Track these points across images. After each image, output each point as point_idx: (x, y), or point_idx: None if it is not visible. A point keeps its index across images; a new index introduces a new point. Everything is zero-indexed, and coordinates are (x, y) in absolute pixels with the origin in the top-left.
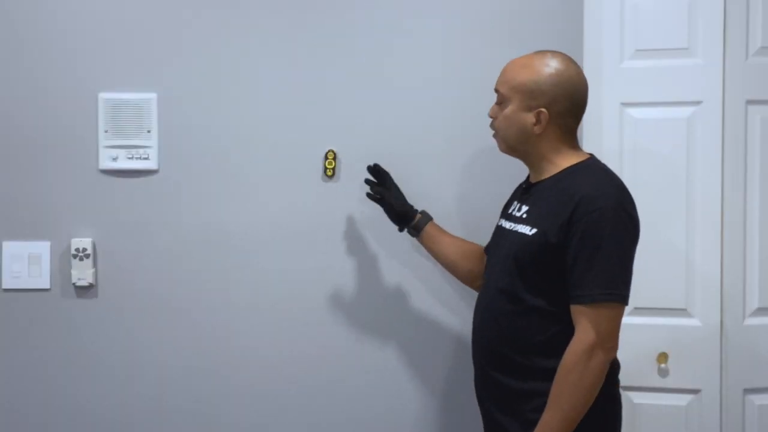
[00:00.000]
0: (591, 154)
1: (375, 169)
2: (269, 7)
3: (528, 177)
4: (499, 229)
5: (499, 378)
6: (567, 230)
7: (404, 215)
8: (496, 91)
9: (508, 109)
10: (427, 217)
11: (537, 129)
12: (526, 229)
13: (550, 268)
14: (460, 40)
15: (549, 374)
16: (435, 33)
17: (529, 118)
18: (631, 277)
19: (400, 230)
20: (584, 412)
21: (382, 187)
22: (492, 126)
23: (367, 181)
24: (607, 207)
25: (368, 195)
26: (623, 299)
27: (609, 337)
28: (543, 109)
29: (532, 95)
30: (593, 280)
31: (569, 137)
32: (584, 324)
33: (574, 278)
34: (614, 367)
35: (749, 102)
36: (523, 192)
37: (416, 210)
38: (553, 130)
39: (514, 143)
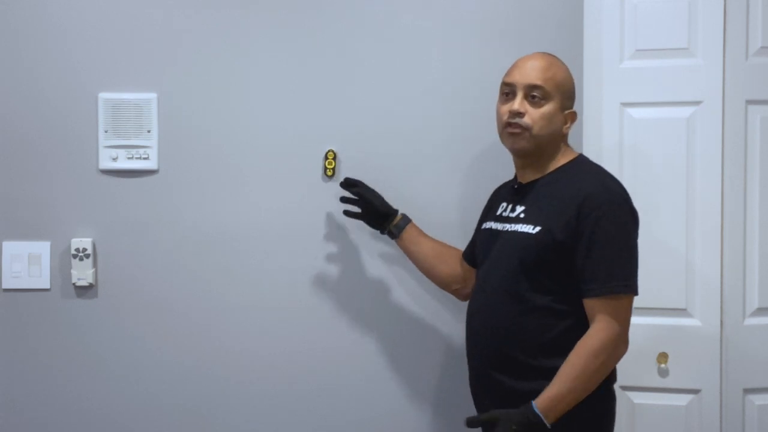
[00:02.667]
0: (578, 153)
1: (347, 182)
2: (269, 8)
3: (515, 177)
4: (489, 232)
5: (504, 380)
6: (575, 227)
7: (385, 214)
8: (535, 86)
9: (549, 108)
10: (407, 219)
11: (565, 130)
12: (527, 228)
13: (556, 266)
14: (459, 40)
15: (553, 372)
16: (435, 33)
17: (562, 118)
18: (638, 268)
19: (382, 232)
20: (587, 394)
21: (359, 189)
22: (520, 122)
23: (342, 199)
24: (614, 202)
25: (345, 212)
26: (634, 289)
27: (627, 328)
28: (575, 111)
29: (568, 96)
30: (610, 273)
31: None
32: (608, 315)
33: (589, 272)
34: None
35: (749, 102)
36: (514, 193)
37: (397, 210)
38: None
39: (546, 142)
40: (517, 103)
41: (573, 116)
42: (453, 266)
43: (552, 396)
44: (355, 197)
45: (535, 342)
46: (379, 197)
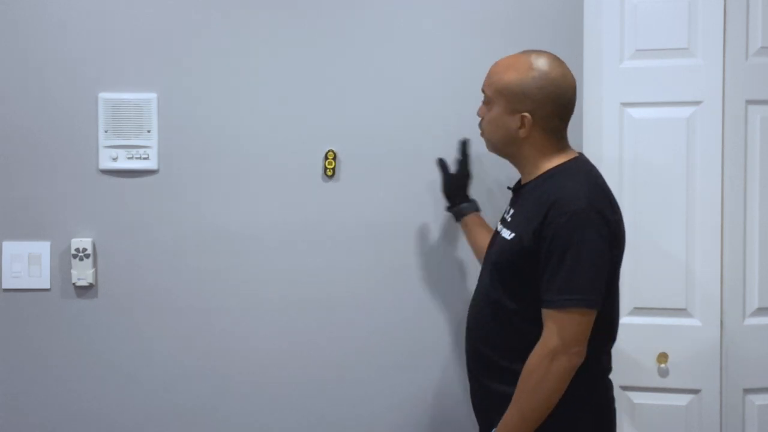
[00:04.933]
0: (578, 154)
1: (463, 145)
2: (269, 8)
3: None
4: (495, 233)
5: (486, 382)
6: (539, 235)
7: (451, 198)
8: (482, 91)
9: (494, 112)
10: (472, 207)
11: (522, 133)
12: (506, 234)
13: (526, 273)
14: (459, 41)
15: None
16: (435, 33)
17: (514, 121)
18: (602, 280)
19: (447, 209)
20: (545, 414)
21: (449, 171)
22: (480, 126)
23: (443, 163)
24: (576, 211)
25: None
26: (590, 304)
27: (573, 342)
28: (527, 114)
29: (516, 99)
30: (559, 285)
31: (555, 139)
32: (550, 328)
33: (543, 283)
34: (604, 371)
35: (749, 102)
36: (512, 196)
37: (466, 198)
38: (539, 134)
39: (499, 145)
40: (479, 108)
41: (527, 120)
42: None
43: (503, 420)
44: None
45: (511, 346)
46: (456, 183)
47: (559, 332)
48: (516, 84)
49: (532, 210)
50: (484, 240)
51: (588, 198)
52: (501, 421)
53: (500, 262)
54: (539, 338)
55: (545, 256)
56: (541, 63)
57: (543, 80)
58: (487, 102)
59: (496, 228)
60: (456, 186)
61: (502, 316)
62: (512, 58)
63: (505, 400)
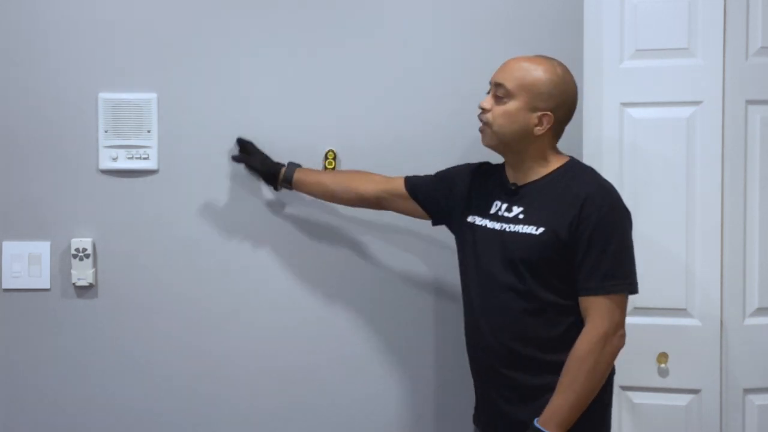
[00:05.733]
0: (569, 156)
1: (239, 142)
2: (268, 8)
3: (505, 175)
4: (482, 230)
5: (513, 375)
6: (576, 227)
7: (273, 176)
8: (498, 84)
9: (511, 106)
10: (292, 167)
11: (538, 131)
12: (530, 230)
13: (561, 265)
14: (460, 41)
15: (561, 367)
16: (435, 33)
17: (533, 119)
18: (635, 266)
19: (276, 189)
20: (593, 396)
21: (244, 155)
22: (482, 117)
23: (233, 156)
24: (612, 203)
25: (233, 158)
26: (632, 288)
27: (619, 326)
28: (550, 113)
29: (540, 97)
30: (605, 273)
31: (555, 141)
32: (598, 313)
33: (587, 271)
34: None
35: (749, 102)
36: (511, 193)
37: (281, 165)
38: (548, 134)
39: (509, 140)
40: (484, 100)
41: (548, 118)
42: (365, 188)
43: (552, 409)
44: (239, 162)
45: (544, 338)
46: (264, 162)
47: (607, 317)
48: (543, 83)
49: (559, 205)
50: (326, 178)
51: (614, 192)
52: (548, 408)
53: (531, 257)
54: (571, 327)
55: (586, 247)
56: (563, 69)
57: (565, 84)
58: (503, 95)
59: (480, 223)
60: (265, 164)
61: (535, 309)
62: (535, 58)
63: (539, 389)
